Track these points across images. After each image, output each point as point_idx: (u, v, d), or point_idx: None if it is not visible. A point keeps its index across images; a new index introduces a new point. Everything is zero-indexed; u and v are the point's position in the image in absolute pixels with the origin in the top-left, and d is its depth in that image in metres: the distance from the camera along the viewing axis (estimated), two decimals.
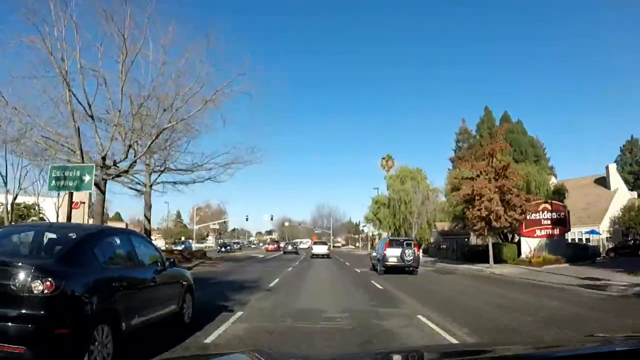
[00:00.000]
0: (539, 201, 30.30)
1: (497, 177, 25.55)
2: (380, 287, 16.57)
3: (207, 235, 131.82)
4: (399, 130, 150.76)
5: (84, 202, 31.87)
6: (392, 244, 23.36)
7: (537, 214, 29.64)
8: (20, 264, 4.60)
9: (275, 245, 73.60)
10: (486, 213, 24.34)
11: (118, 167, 18.71)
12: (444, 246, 47.00)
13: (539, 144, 59.75)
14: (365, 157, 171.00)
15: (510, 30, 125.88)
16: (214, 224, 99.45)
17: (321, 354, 5.73)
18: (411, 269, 22.57)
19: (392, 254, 22.67)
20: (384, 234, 67.34)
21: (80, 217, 29.69)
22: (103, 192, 17.56)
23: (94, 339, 4.87)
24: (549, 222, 29.92)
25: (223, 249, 64.32)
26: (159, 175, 27.08)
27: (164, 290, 6.91)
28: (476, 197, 24.77)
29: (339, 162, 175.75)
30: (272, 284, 16.55)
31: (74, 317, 4.63)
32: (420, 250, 45.25)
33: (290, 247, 59.67)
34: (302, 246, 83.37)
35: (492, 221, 24.63)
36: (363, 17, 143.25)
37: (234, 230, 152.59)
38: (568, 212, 30.81)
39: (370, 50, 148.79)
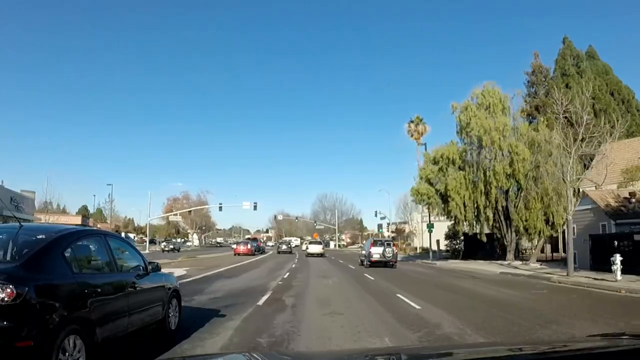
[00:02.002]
0: None
1: None
2: None
3: (176, 232, 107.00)
4: (426, 87, 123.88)
5: None
6: (375, 243, 28.69)
7: None
8: None
9: (248, 247, 46.90)
10: None
11: None
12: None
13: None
14: (380, 134, 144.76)
15: None
16: (175, 214, 74.50)
17: (321, 353, 5.17)
18: (391, 263, 27.52)
19: (376, 252, 27.47)
20: (442, 225, 39.37)
21: None
22: None
23: (63, 352, 4.44)
24: None
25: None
26: None
27: (145, 296, 6.43)
28: None
29: (345, 144, 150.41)
30: None
31: (38, 328, 4.20)
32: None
33: (284, 247, 57.78)
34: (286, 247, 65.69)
35: None
36: None
37: (231, 228, 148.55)
38: None
39: None
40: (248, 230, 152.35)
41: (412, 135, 64.62)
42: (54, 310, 4.38)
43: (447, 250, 42.71)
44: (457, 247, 39.29)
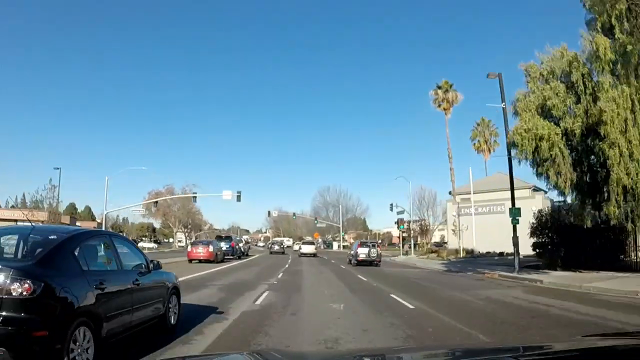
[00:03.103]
0: None
1: None
2: None
3: (152, 231, 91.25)
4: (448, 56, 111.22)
5: None
6: (362, 245, 32.50)
7: None
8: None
9: (209, 249, 29.76)
10: None
11: None
12: None
13: None
14: (382, 130, 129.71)
15: None
16: (135, 205, 59.64)
17: (322, 352, 5.35)
18: (375, 262, 30.58)
19: (362, 252, 30.96)
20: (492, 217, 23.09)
21: None
22: None
23: (74, 342, 4.83)
24: None
25: None
26: None
27: (147, 293, 6.79)
28: None
29: (347, 137, 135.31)
30: None
31: (52, 320, 4.61)
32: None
33: (276, 247, 56.65)
34: (278, 247, 58.78)
35: None
36: None
37: (229, 228, 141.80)
38: None
39: None
40: (247, 231, 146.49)
41: (439, 106, 49.68)
42: (65, 304, 4.80)
43: (532, 255, 26.49)
44: (558, 249, 23.17)
